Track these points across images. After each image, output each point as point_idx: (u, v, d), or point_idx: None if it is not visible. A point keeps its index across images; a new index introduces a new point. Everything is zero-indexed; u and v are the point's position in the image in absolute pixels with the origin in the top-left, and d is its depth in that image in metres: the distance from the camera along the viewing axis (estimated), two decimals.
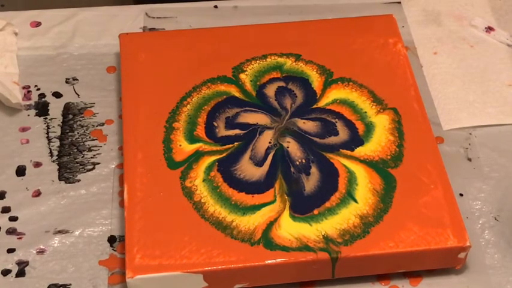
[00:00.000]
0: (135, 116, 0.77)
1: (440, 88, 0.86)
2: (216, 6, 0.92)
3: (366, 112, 0.78)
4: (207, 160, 0.74)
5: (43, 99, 0.83)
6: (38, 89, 0.84)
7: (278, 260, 0.68)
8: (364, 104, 0.79)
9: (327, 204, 0.71)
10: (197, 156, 0.74)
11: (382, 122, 0.77)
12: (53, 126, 0.81)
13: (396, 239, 0.69)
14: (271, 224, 0.70)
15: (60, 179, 0.77)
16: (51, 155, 0.79)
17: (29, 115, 0.82)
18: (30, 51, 0.87)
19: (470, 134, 0.82)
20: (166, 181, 0.72)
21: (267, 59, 0.82)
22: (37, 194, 0.76)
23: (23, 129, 0.81)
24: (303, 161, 0.74)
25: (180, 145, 0.75)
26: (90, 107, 0.82)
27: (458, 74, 0.87)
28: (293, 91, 0.80)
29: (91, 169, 0.78)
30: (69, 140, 0.80)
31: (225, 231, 0.69)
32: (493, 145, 0.81)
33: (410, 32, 0.90)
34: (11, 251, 0.72)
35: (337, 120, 0.77)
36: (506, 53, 0.89)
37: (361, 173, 0.73)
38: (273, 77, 0.81)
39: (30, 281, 0.71)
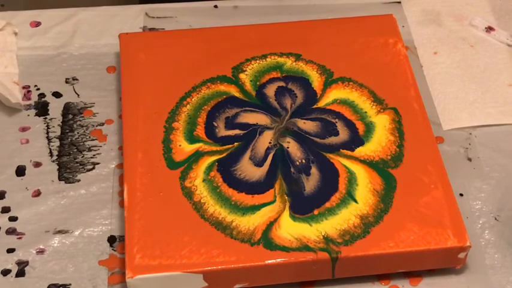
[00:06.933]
0: (135, 116, 0.77)
1: (440, 88, 0.86)
2: (216, 6, 0.92)
3: (366, 112, 0.78)
4: (207, 160, 0.74)
5: (43, 99, 0.83)
6: (38, 89, 0.84)
7: (278, 260, 0.68)
8: (365, 104, 0.79)
9: (327, 205, 0.71)
10: (197, 156, 0.74)
11: (382, 122, 0.77)
12: (53, 126, 0.81)
13: (396, 239, 0.69)
14: (271, 224, 0.70)
15: (60, 179, 0.77)
16: (51, 155, 0.79)
17: (28, 115, 0.82)
18: (30, 51, 0.87)
19: (470, 134, 0.82)
20: (166, 181, 0.72)
21: (267, 59, 0.82)
22: (37, 194, 0.76)
23: (23, 129, 0.81)
24: (303, 161, 0.74)
25: (180, 145, 0.75)
26: (90, 107, 0.82)
27: (458, 74, 0.87)
28: (293, 91, 0.80)
29: (91, 169, 0.78)
30: (69, 140, 0.80)
31: (225, 231, 0.69)
32: (493, 145, 0.81)
33: (410, 32, 0.90)
34: (10, 251, 0.72)
35: (337, 120, 0.77)
36: (506, 53, 0.89)
37: (361, 173, 0.73)
38: (273, 77, 0.81)
39: (30, 281, 0.70)
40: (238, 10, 0.92)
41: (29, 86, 0.84)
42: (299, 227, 0.69)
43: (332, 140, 0.76)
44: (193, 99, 0.78)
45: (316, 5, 0.93)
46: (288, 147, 0.75)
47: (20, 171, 0.78)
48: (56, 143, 0.80)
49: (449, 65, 0.88)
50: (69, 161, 0.78)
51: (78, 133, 0.80)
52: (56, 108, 0.82)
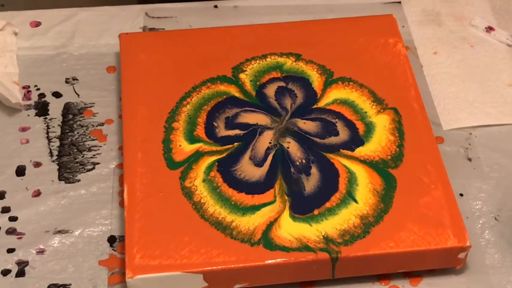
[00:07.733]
0: (135, 116, 0.77)
1: (440, 88, 0.86)
2: (216, 6, 0.92)
3: (366, 112, 0.78)
4: (207, 160, 0.74)
5: (43, 99, 0.83)
6: (38, 89, 0.84)
7: (278, 260, 0.68)
8: (365, 104, 0.79)
9: (327, 205, 0.71)
10: (197, 156, 0.74)
11: (382, 122, 0.77)
12: (53, 126, 0.81)
13: (396, 239, 0.69)
14: (271, 224, 0.70)
15: (60, 179, 0.77)
16: (51, 155, 0.79)
17: (28, 115, 0.82)
18: (30, 51, 0.87)
19: (470, 134, 0.82)
20: (166, 181, 0.72)
21: (267, 59, 0.82)
22: (37, 194, 0.76)
23: (23, 129, 0.81)
24: (303, 161, 0.74)
25: (180, 145, 0.75)
26: (90, 107, 0.82)
27: (458, 74, 0.87)
28: (293, 91, 0.80)
29: (91, 169, 0.78)
30: (69, 140, 0.80)
31: (225, 231, 0.69)
32: (493, 145, 0.81)
33: (410, 32, 0.90)
34: (10, 251, 0.72)
35: (337, 120, 0.77)
36: (506, 53, 0.89)
37: (361, 173, 0.73)
38: (273, 77, 0.81)
39: (30, 281, 0.70)
40: (238, 10, 0.92)
41: (29, 86, 0.84)
42: (299, 227, 0.69)
43: (332, 140, 0.76)
44: (193, 99, 0.78)
45: (316, 5, 0.93)
46: (288, 147, 0.75)
47: (20, 171, 0.78)
48: (56, 143, 0.80)
49: (449, 65, 0.88)
50: (69, 161, 0.78)
51: (78, 133, 0.80)
52: (56, 108, 0.82)
